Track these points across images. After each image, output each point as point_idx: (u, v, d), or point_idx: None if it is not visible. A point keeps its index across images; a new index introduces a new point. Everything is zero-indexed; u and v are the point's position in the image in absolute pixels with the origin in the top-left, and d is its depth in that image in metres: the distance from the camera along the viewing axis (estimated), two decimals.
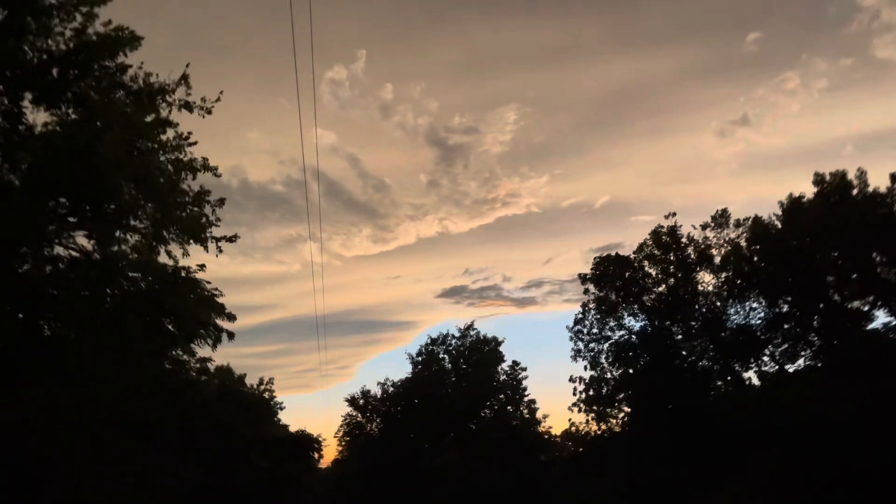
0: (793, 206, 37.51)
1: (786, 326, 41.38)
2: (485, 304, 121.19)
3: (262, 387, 68.28)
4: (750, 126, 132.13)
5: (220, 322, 30.38)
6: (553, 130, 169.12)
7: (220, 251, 23.74)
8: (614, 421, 47.53)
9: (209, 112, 21.29)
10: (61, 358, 22.15)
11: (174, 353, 30.79)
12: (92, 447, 18.55)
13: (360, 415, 60.64)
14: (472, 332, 62.09)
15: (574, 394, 47.67)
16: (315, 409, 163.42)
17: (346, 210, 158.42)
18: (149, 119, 20.36)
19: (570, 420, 50.20)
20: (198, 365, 38.52)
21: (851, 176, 36.04)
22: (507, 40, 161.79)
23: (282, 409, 70.11)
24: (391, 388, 61.04)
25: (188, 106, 20.93)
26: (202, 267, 23.43)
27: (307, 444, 39.33)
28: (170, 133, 22.56)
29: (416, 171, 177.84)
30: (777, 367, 41.77)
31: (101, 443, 19.01)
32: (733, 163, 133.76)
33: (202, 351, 31.94)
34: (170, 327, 27.54)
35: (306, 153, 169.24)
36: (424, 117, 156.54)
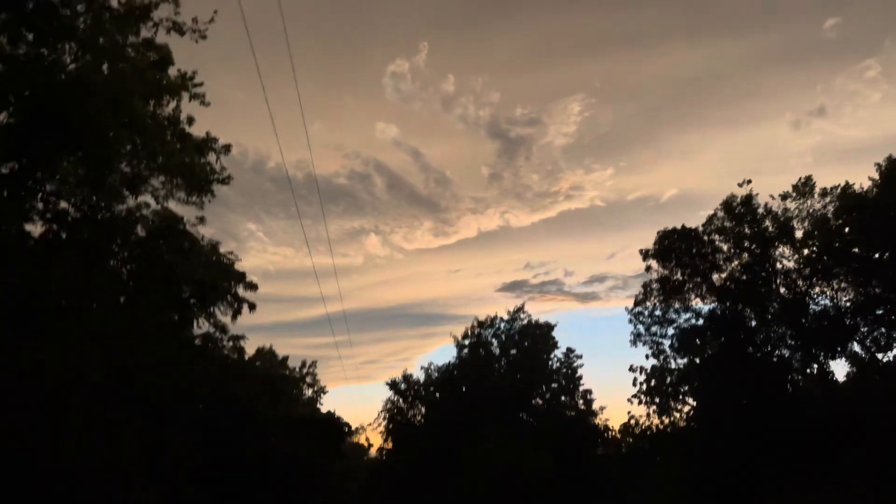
0: (894, 169, 32.33)
1: (879, 312, 36.28)
2: (545, 298, 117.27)
3: (305, 370, 66.99)
4: (827, 117, 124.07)
5: (241, 292, 28.47)
6: (619, 121, 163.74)
7: (214, 196, 21.14)
8: (678, 415, 43.23)
9: (203, 36, 18.60)
10: (51, 318, 20.18)
11: (199, 323, 28.78)
12: (71, 412, 16.19)
13: (401, 399, 57.92)
14: (522, 316, 58.39)
15: (634, 384, 43.68)
16: (376, 398, 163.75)
17: (408, 203, 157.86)
18: (133, 41, 17.77)
19: (629, 413, 46.21)
20: (230, 343, 36.50)
21: None
22: (571, 28, 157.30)
23: (325, 392, 68.79)
24: (435, 374, 58.10)
25: (178, 28, 18.24)
26: (202, 220, 20.94)
27: (335, 427, 36.68)
28: (171, 72, 20.33)
29: (478, 163, 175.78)
30: (868, 356, 36.74)
31: (83, 409, 16.59)
32: (808, 156, 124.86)
33: (236, 328, 30.18)
34: (185, 293, 25.61)
35: (369, 146, 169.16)
36: (486, 109, 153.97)
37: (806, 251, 37.85)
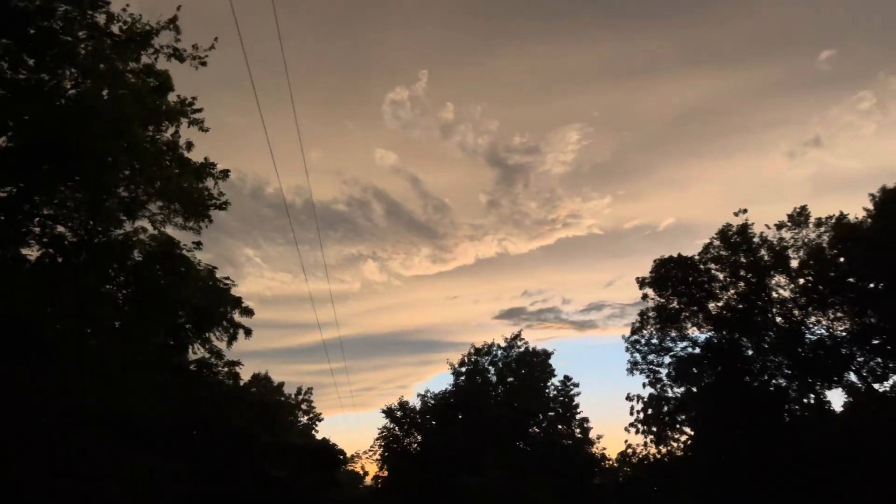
0: (887, 199, 32.57)
1: (875, 341, 36.23)
2: (543, 326, 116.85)
3: (300, 397, 66.54)
4: (822, 147, 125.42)
5: (237, 318, 28.37)
6: (617, 150, 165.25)
7: (211, 221, 21.20)
8: (675, 444, 42.93)
9: (203, 63, 18.86)
10: (47, 343, 20.11)
11: (193, 349, 28.67)
12: (59, 442, 16.03)
13: (397, 427, 57.42)
14: (519, 343, 58.20)
15: (631, 413, 43.49)
16: (372, 426, 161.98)
17: (407, 230, 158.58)
18: (133, 67, 18.03)
19: (626, 442, 45.90)
20: (226, 369, 36.34)
21: None
22: (570, 58, 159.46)
23: (320, 420, 68.30)
24: (432, 401, 57.64)
25: (178, 54, 18.50)
26: (199, 245, 21.00)
27: (330, 455, 36.33)
28: (171, 97, 20.57)
29: (476, 191, 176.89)
30: (864, 385, 36.60)
31: (77, 435, 16.44)
32: (804, 186, 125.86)
33: (232, 354, 30.05)
34: (181, 318, 25.55)
35: (368, 173, 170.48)
36: (485, 137, 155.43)
37: (801, 280, 37.92)
